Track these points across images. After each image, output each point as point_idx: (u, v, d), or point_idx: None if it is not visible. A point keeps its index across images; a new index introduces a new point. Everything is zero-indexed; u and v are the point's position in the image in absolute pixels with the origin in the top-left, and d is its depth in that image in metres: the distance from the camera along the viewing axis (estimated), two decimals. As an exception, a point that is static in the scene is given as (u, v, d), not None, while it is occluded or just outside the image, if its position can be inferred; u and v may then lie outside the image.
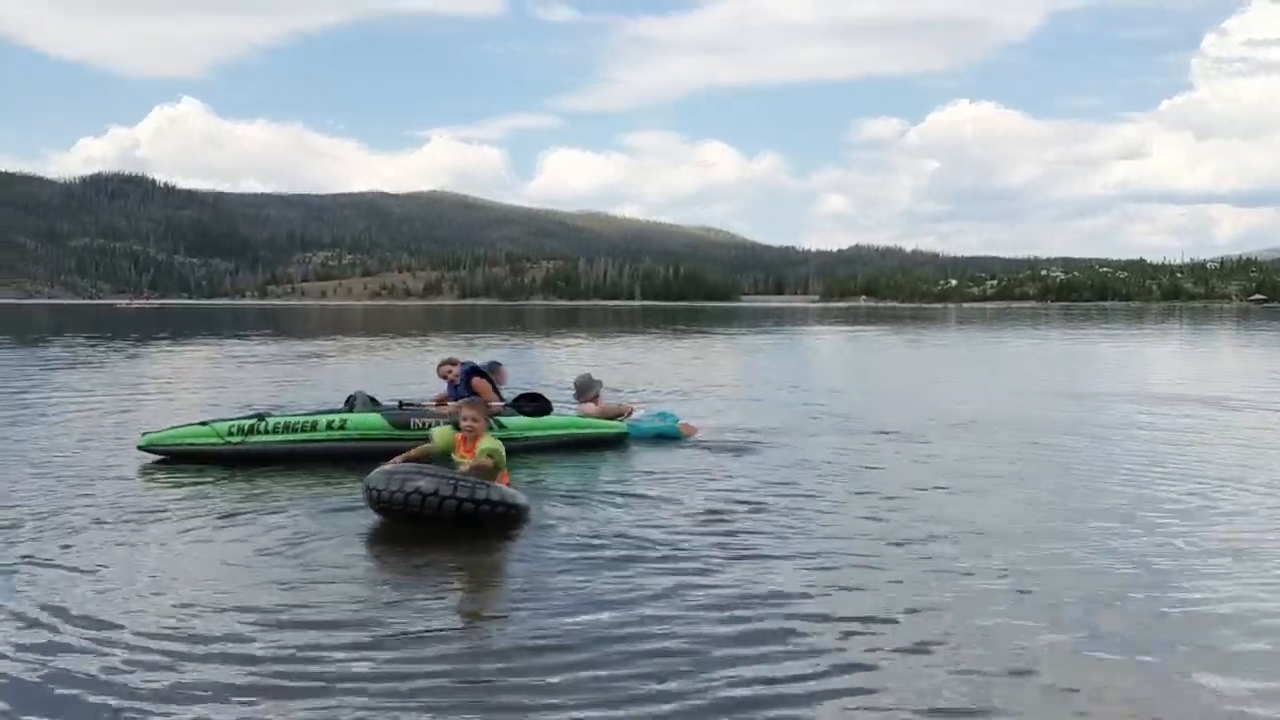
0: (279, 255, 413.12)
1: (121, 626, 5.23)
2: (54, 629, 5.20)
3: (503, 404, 11.02)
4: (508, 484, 7.65)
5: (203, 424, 10.23)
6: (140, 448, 10.10)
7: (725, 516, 7.71)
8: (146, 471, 9.60)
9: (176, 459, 9.92)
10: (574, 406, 12.35)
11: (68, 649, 4.93)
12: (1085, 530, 7.29)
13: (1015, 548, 6.80)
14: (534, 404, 10.96)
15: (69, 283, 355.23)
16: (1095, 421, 13.58)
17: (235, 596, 5.74)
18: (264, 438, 10.01)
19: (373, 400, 10.86)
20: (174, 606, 5.54)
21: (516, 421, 10.76)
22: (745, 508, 8.01)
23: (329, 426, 10.15)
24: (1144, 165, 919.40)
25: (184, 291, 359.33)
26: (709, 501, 8.24)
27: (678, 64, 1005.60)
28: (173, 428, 10.40)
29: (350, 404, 10.72)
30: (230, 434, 9.99)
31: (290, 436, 10.05)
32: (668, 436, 11.48)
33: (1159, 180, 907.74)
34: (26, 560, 6.42)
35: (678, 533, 7.21)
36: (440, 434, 7.88)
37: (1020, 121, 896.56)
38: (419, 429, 10.31)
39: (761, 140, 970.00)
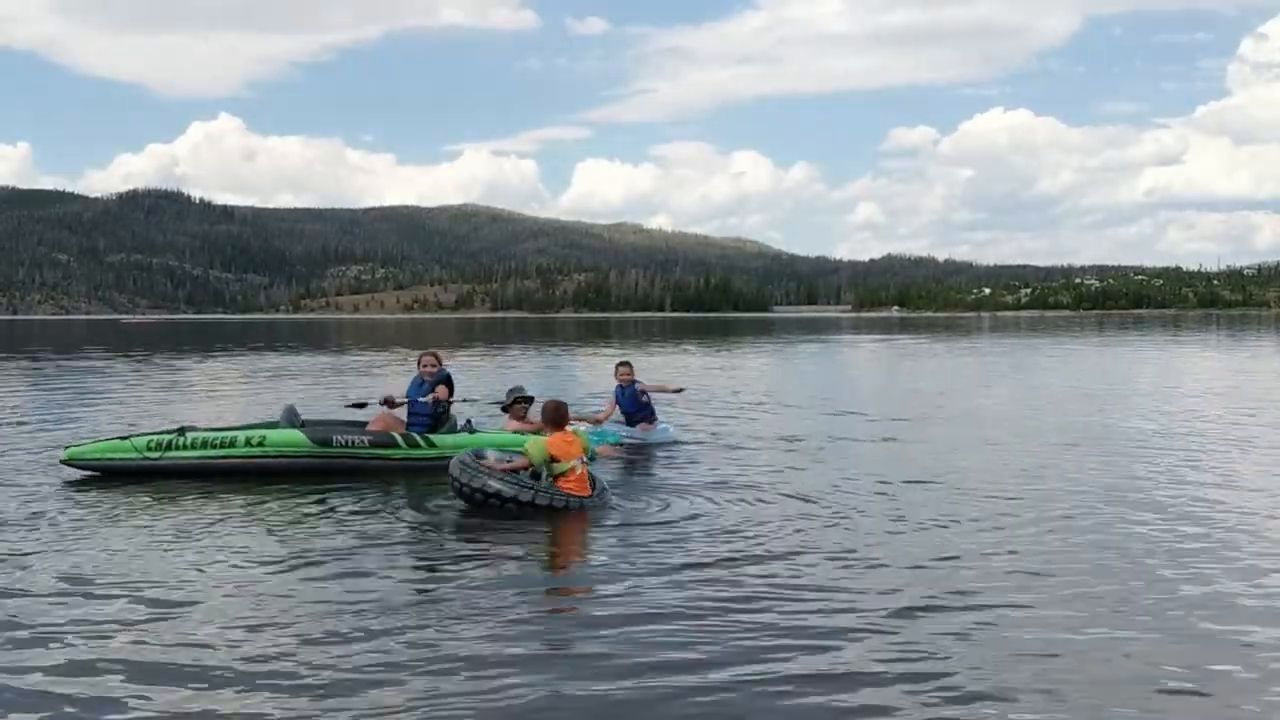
0: (313, 269, 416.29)
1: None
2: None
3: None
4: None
5: (123, 438, 10.13)
6: (63, 462, 9.98)
7: (792, 515, 8.16)
8: (69, 485, 9.49)
9: (100, 474, 9.79)
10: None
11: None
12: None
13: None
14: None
15: (107, 298, 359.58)
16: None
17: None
18: (182, 453, 9.89)
19: (324, 423, 10.70)
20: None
21: (455, 439, 10.49)
22: (817, 507, 8.43)
23: (248, 443, 10.01)
24: (1180, 171, 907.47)
25: (219, 306, 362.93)
26: (775, 501, 8.76)
27: (711, 74, 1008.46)
28: (94, 441, 10.29)
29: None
30: (149, 449, 9.88)
31: (208, 452, 9.93)
32: None
33: (1196, 186, 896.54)
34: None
35: (750, 528, 7.70)
36: (535, 447, 8.22)
37: (1054, 128, 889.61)
38: (341, 446, 10.12)
39: (794, 150, 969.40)
